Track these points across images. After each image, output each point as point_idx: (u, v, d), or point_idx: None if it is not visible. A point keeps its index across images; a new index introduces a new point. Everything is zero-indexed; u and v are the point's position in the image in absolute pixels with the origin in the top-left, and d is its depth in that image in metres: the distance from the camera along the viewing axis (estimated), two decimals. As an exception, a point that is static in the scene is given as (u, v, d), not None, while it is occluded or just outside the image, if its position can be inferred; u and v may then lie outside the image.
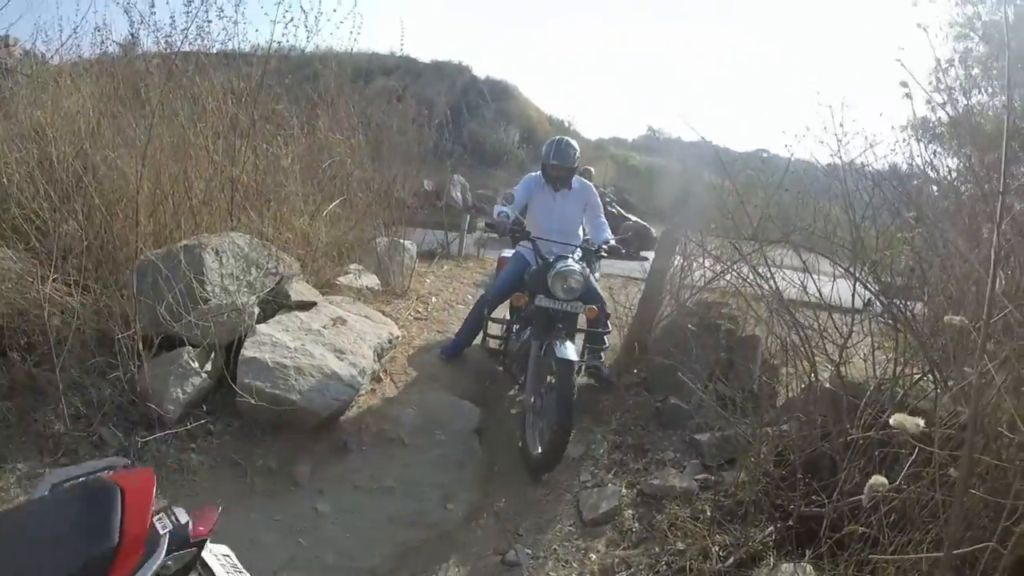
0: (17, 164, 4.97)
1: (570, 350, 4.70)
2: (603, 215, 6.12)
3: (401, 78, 25.71)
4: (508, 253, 6.51)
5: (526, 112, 32.25)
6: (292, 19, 6.53)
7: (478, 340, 6.44)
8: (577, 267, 5.01)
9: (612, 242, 5.69)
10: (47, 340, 4.24)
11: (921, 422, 2.50)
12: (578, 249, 5.65)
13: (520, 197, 5.96)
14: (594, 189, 6.28)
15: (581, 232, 6.11)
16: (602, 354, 5.82)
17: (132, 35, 6.91)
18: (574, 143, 6.01)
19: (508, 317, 6.14)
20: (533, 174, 6.15)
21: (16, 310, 4.36)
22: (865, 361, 4.09)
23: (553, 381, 4.76)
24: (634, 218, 16.09)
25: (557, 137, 6.20)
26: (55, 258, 4.49)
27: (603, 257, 5.89)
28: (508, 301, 5.82)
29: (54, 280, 4.36)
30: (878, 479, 2.51)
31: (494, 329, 6.40)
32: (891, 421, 2.52)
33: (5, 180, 4.86)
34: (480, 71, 33.68)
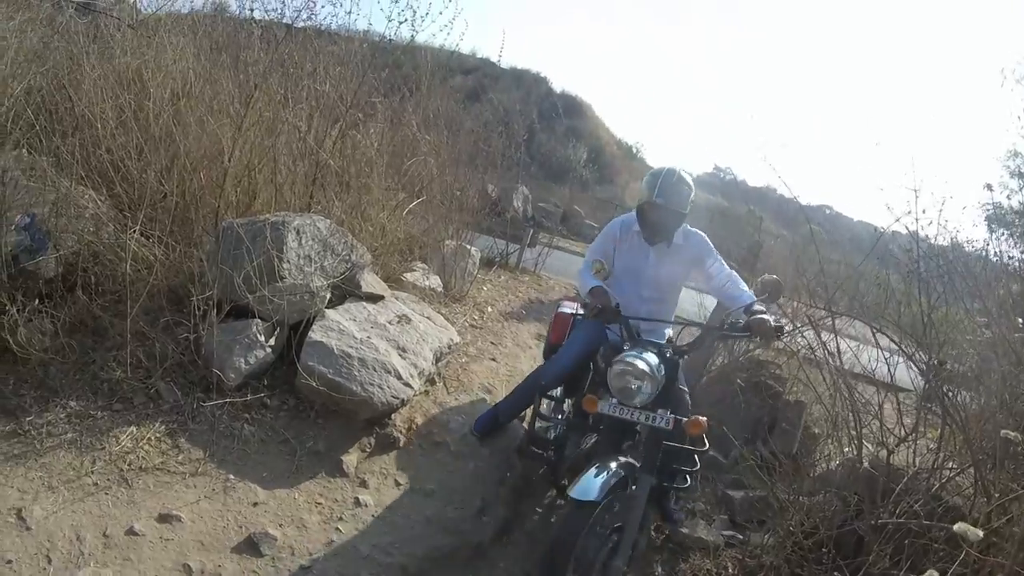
0: (112, 110, 5.03)
1: (591, 486, 3.21)
2: (725, 267, 4.33)
3: (479, 80, 26.00)
4: (568, 308, 5.08)
5: (596, 132, 32.44)
6: (405, 20, 6.65)
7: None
8: (642, 363, 3.48)
9: (757, 309, 3.79)
10: (117, 286, 4.35)
11: (980, 533, 2.53)
12: (668, 330, 4.54)
13: (598, 253, 4.47)
14: (706, 237, 4.42)
15: (678, 298, 4.65)
16: (684, 490, 4.13)
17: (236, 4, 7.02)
18: (689, 180, 4.27)
19: (568, 408, 4.76)
20: (619, 219, 4.58)
21: (91, 251, 4.47)
22: (908, 448, 4.08)
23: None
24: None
25: (666, 168, 4.22)
26: (137, 208, 4.54)
27: (740, 337, 4.49)
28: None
29: (134, 230, 4.41)
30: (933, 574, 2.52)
31: (547, 409, 4.56)
32: (955, 528, 2.55)
33: (99, 125, 4.92)
34: (557, 84, 33.90)
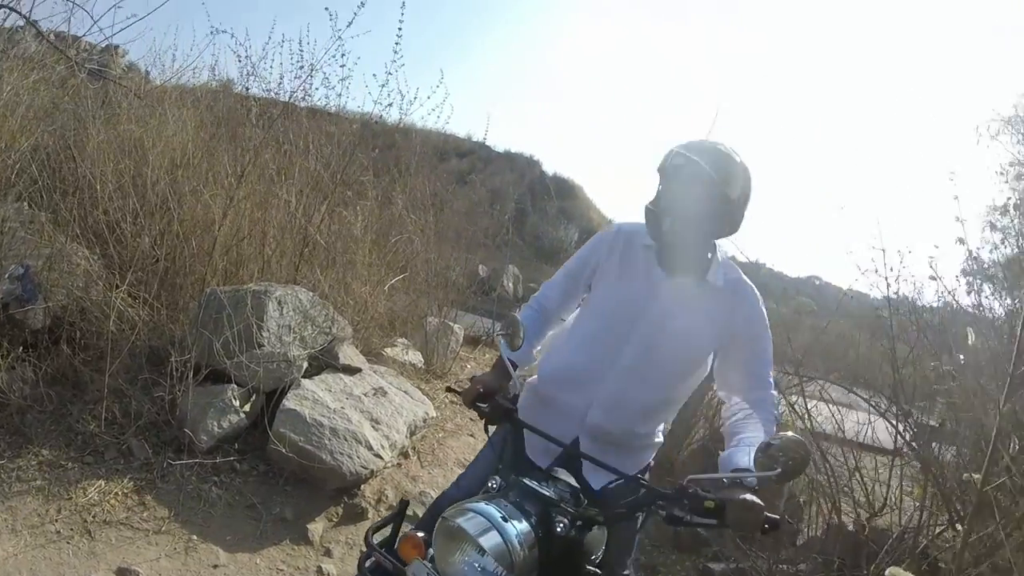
0: (112, 174, 5.20)
1: None
2: (770, 376, 2.52)
3: (474, 163, 26.46)
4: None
5: (587, 213, 32.75)
6: (392, 103, 6.94)
7: None
8: (493, 534, 1.85)
9: (748, 483, 2.00)
10: (100, 342, 4.44)
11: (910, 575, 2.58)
12: (659, 433, 2.63)
13: (570, 274, 2.76)
14: (762, 305, 2.53)
15: (685, 390, 2.61)
16: None
17: (239, 81, 7.29)
18: (742, 155, 2.39)
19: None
20: (621, 224, 2.68)
21: (79, 307, 4.60)
22: (892, 509, 4.12)
23: None
24: None
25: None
26: (126, 269, 4.66)
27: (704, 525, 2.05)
28: None
29: (121, 289, 4.53)
30: None
31: None
32: (887, 573, 2.59)
33: (98, 187, 5.09)
34: (548, 167, 34.37)
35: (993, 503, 2.93)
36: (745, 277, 2.54)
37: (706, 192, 2.30)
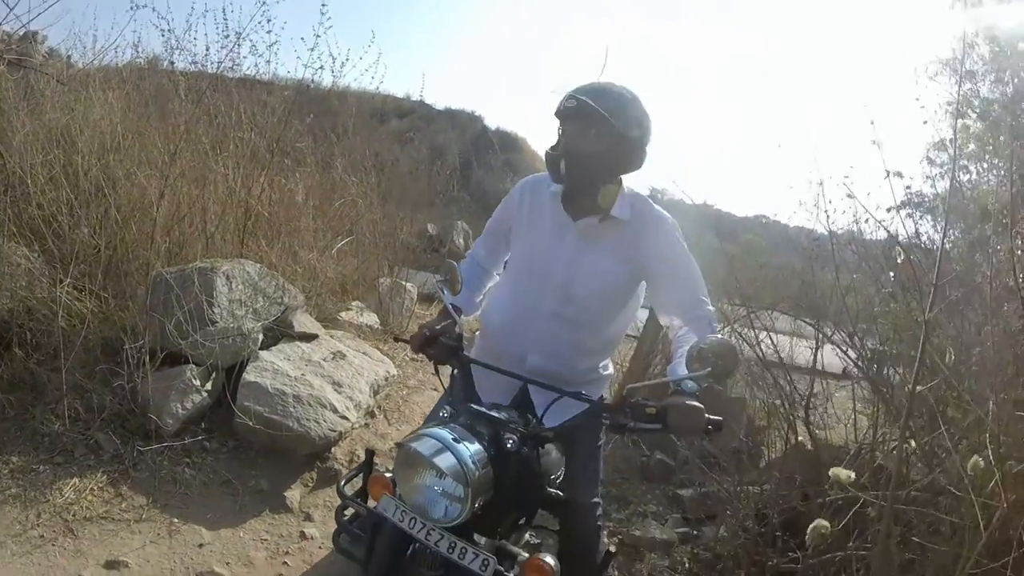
0: (42, 166, 5.09)
1: None
2: (703, 294, 2.63)
3: (414, 122, 26.16)
4: None
5: (533, 164, 32.52)
6: (322, 66, 6.85)
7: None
8: (447, 455, 1.97)
9: (687, 388, 2.15)
10: (52, 340, 4.36)
11: (852, 474, 2.73)
12: (607, 367, 2.88)
13: (491, 232, 3.02)
14: (677, 231, 2.65)
15: (621, 324, 2.86)
16: None
17: (164, 56, 7.14)
18: (638, 98, 2.52)
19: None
20: (526, 179, 2.89)
21: (25, 307, 4.49)
22: (846, 426, 4.30)
23: None
24: None
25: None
26: (68, 262, 4.61)
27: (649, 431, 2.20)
28: None
29: (65, 284, 4.47)
30: (820, 522, 2.73)
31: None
32: (830, 473, 2.73)
33: (29, 181, 4.98)
34: (491, 121, 34.05)
35: (937, 413, 3.06)
36: (657, 208, 2.67)
37: (599, 130, 2.41)
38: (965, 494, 2.60)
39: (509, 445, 2.12)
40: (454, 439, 2.03)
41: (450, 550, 2.02)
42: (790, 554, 3.56)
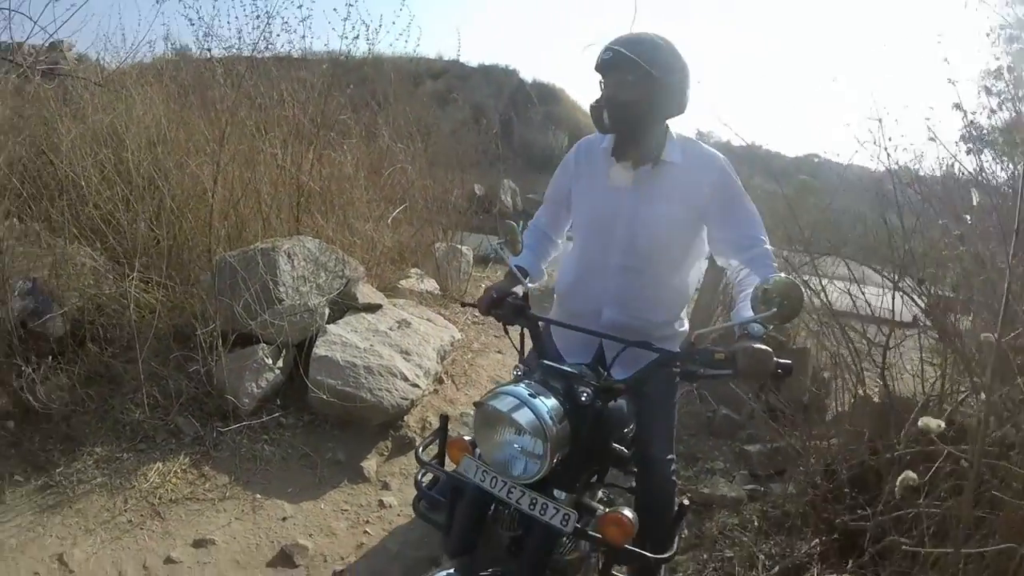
0: (93, 167, 5.18)
1: None
2: (760, 233, 2.66)
3: (449, 82, 26.03)
4: None
5: (574, 115, 32.21)
6: (358, 35, 6.84)
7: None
8: (525, 411, 1.98)
9: (754, 332, 2.18)
10: (124, 333, 4.50)
11: (942, 423, 2.65)
12: (681, 320, 2.89)
13: (551, 199, 3.04)
14: (729, 169, 2.66)
15: (689, 270, 2.83)
16: None
17: (196, 45, 7.17)
18: (672, 45, 2.52)
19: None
20: (578, 143, 2.99)
21: (94, 304, 4.62)
22: (914, 377, 4.14)
23: None
24: None
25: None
26: (132, 257, 4.69)
27: (719, 377, 2.18)
28: None
29: (132, 278, 4.54)
30: (909, 474, 2.66)
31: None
32: (919, 423, 2.66)
33: (83, 183, 5.06)
34: (527, 74, 33.68)
35: (1013, 363, 2.95)
36: (707, 147, 2.72)
37: (636, 78, 2.44)
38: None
39: (583, 398, 2.11)
40: (530, 394, 2.03)
41: (531, 506, 2.02)
42: (859, 511, 3.48)
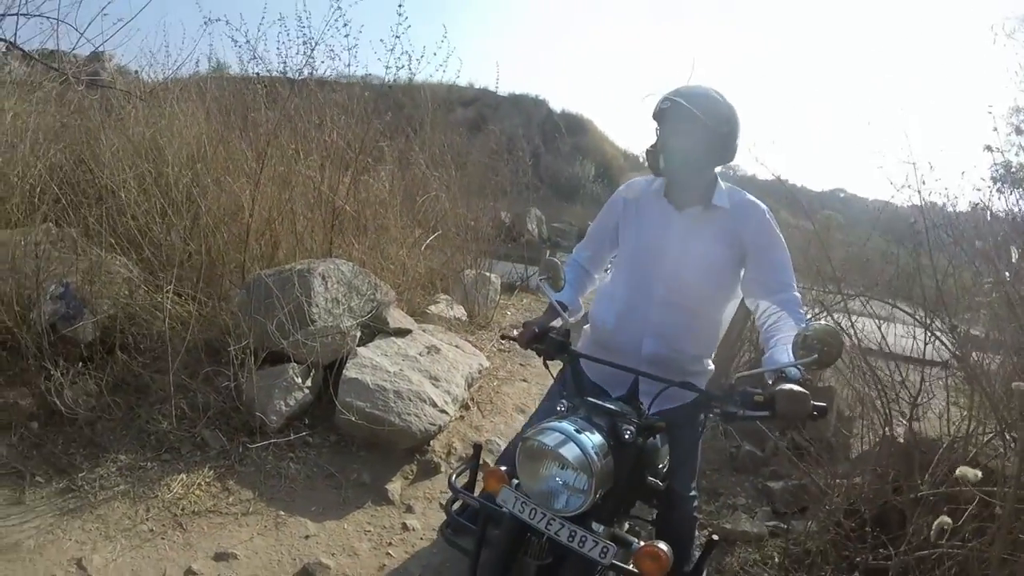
0: (133, 179, 5.23)
1: None
2: (791, 279, 2.75)
3: (480, 110, 26.28)
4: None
5: (601, 147, 32.52)
6: (403, 66, 6.92)
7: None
8: (571, 446, 2.08)
9: (792, 375, 2.20)
10: (154, 344, 4.54)
11: (979, 473, 2.67)
12: (708, 361, 2.97)
13: (595, 235, 3.17)
14: (770, 217, 2.79)
15: (725, 308, 2.94)
16: None
17: (240, 66, 7.25)
18: (727, 99, 2.67)
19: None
20: (627, 184, 3.12)
21: (126, 313, 4.66)
22: (940, 417, 4.14)
23: None
24: None
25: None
26: (167, 269, 4.71)
27: (756, 419, 2.18)
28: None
29: (168, 290, 4.57)
30: (944, 519, 2.71)
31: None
32: (956, 472, 2.67)
33: (123, 193, 5.11)
34: (556, 104, 34.07)
35: None
36: (752, 197, 2.85)
37: (693, 127, 2.59)
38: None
39: (627, 436, 2.20)
40: (576, 431, 2.12)
41: (570, 538, 2.07)
42: (881, 551, 3.51)
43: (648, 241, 2.85)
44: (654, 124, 2.75)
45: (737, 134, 2.73)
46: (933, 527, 2.74)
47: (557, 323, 2.75)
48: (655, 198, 2.86)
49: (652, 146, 2.74)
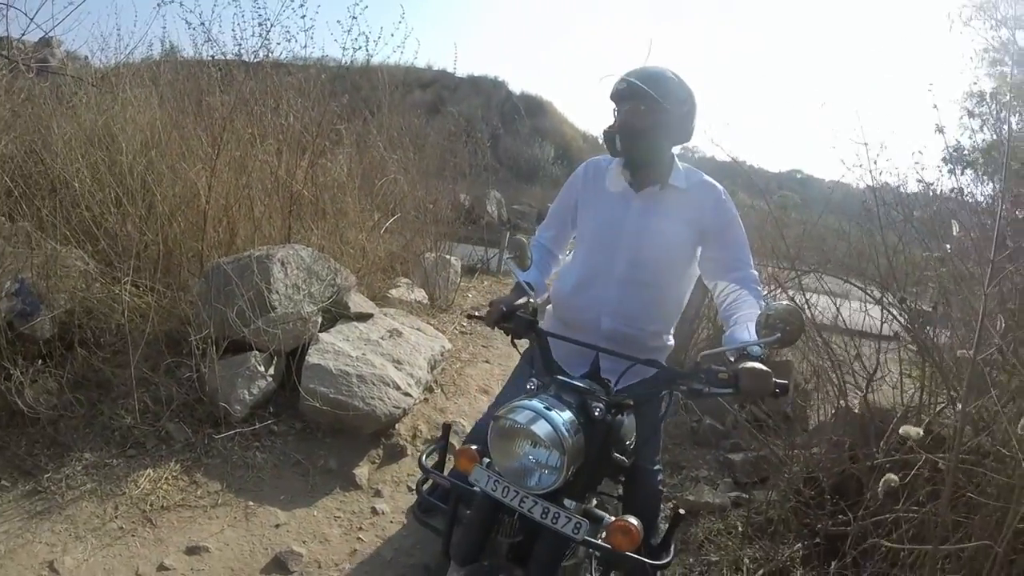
0: (87, 168, 5.15)
1: None
2: (748, 258, 2.86)
3: (438, 92, 26.22)
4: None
5: (560, 128, 32.55)
6: (360, 47, 6.85)
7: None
8: (543, 423, 2.09)
9: (754, 353, 2.25)
10: (114, 337, 4.48)
11: (920, 431, 2.79)
12: (668, 336, 3.04)
13: (556, 214, 3.18)
14: (726, 197, 2.87)
15: (685, 286, 3.01)
16: None
17: (194, 50, 7.14)
18: (683, 80, 2.75)
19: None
20: (585, 163, 3.13)
21: (84, 307, 4.59)
22: (893, 388, 4.25)
23: None
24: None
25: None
26: (125, 260, 4.66)
27: (721, 395, 2.28)
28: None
29: (126, 282, 4.52)
30: (890, 476, 2.83)
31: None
32: (900, 431, 2.77)
33: (76, 183, 5.04)
34: (515, 86, 33.96)
35: (987, 378, 3.11)
36: (708, 177, 2.92)
37: (648, 108, 2.66)
38: (1013, 454, 2.68)
39: (596, 413, 2.23)
40: (546, 408, 2.14)
41: (543, 515, 2.10)
42: (840, 516, 3.61)
43: (607, 220, 2.89)
44: (611, 105, 2.77)
45: (694, 115, 2.80)
46: (880, 484, 2.84)
47: (523, 302, 2.74)
48: (614, 178, 2.90)
49: (609, 127, 2.76)
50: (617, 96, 2.73)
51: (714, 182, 2.90)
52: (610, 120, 2.78)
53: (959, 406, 3.34)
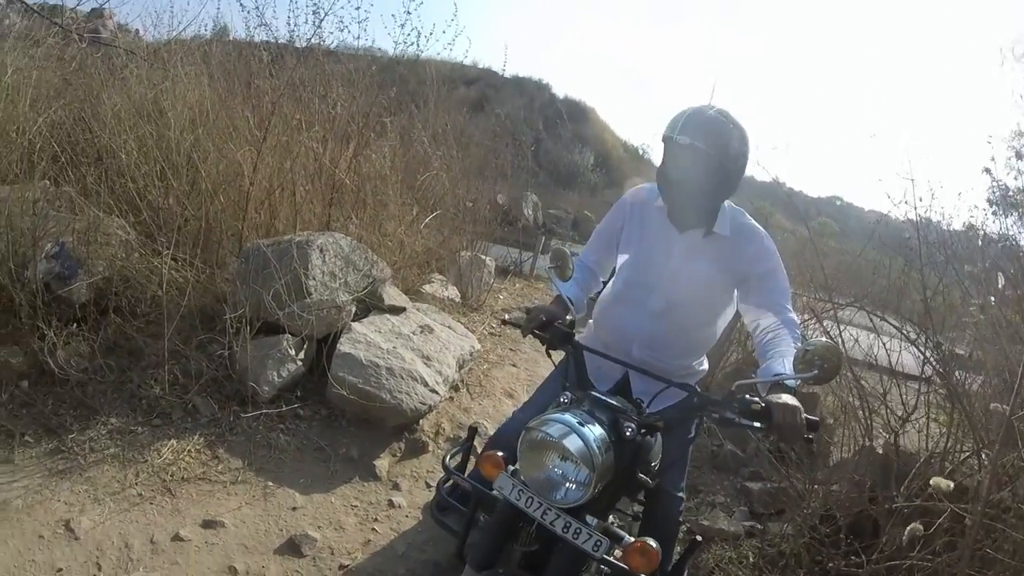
0: (134, 140, 5.19)
1: None
2: (788, 302, 2.80)
3: (482, 89, 26.28)
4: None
5: (601, 136, 32.51)
6: (412, 43, 6.87)
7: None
8: (574, 437, 2.09)
9: (787, 387, 2.30)
10: (149, 308, 4.55)
11: (951, 484, 2.74)
12: (702, 362, 3.11)
13: (602, 237, 3.16)
14: (769, 243, 2.83)
15: (717, 325, 3.01)
16: None
17: (244, 32, 7.19)
18: (739, 123, 2.65)
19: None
20: (637, 187, 3.07)
21: (121, 276, 4.64)
22: (919, 432, 4.18)
23: None
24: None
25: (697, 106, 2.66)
26: (166, 234, 4.69)
27: (749, 428, 2.21)
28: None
29: (167, 255, 4.58)
30: (916, 526, 2.80)
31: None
32: (931, 482, 2.73)
33: (123, 154, 5.08)
34: (559, 89, 33.97)
35: (1017, 433, 3.04)
36: (752, 221, 2.88)
37: (705, 167, 2.59)
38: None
39: (628, 433, 2.21)
40: (579, 423, 2.13)
41: (565, 529, 2.11)
42: (853, 558, 3.55)
43: (648, 257, 2.90)
44: (662, 145, 2.72)
45: (744, 168, 2.75)
46: (905, 533, 2.84)
47: (563, 314, 2.75)
48: (658, 214, 2.89)
49: (663, 166, 2.73)
50: (673, 149, 2.67)
51: (757, 226, 2.87)
52: (660, 150, 2.76)
53: (984, 456, 3.30)
